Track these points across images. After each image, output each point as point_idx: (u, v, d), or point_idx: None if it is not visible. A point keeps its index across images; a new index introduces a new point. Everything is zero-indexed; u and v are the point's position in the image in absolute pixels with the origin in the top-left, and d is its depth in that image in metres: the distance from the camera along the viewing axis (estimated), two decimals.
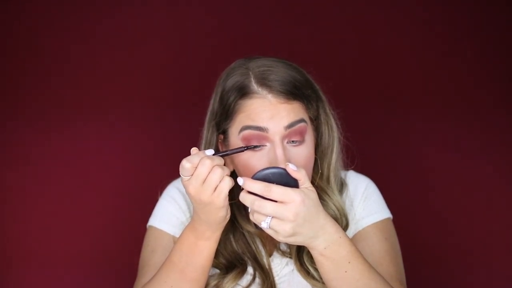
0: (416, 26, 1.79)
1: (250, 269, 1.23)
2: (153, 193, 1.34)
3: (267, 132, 1.08)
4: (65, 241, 1.73)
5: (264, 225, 0.98)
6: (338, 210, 1.23)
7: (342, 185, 1.29)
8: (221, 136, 1.18)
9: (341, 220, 1.23)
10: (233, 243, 1.24)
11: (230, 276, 1.20)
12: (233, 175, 1.19)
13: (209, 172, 0.99)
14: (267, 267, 1.23)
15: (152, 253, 1.24)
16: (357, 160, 1.30)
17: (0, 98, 1.74)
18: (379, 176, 1.38)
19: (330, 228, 1.01)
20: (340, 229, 1.03)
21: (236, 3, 1.81)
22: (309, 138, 1.14)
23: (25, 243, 1.72)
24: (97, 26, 1.77)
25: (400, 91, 1.79)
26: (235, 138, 1.12)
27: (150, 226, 1.30)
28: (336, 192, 1.24)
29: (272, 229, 0.98)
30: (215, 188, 0.99)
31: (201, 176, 0.99)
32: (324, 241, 1.01)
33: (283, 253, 1.24)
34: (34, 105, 1.74)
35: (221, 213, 1.03)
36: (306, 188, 1.00)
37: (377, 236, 1.24)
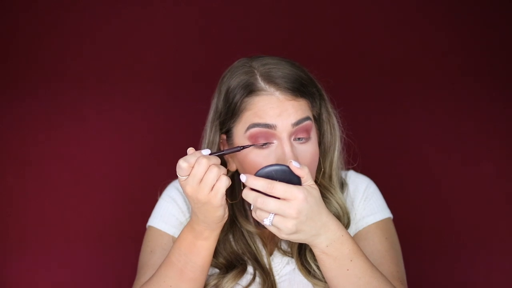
0: (417, 24, 1.80)
1: (250, 269, 1.22)
2: (152, 193, 1.34)
3: (275, 129, 1.09)
4: (64, 241, 1.73)
5: (266, 222, 0.98)
6: (341, 208, 1.23)
7: (342, 185, 1.29)
8: (224, 136, 1.18)
9: (344, 218, 1.23)
10: (233, 243, 1.24)
11: (229, 276, 1.20)
12: (236, 175, 1.19)
13: (206, 172, 0.99)
14: (267, 266, 1.23)
15: (151, 253, 1.24)
16: (359, 158, 1.30)
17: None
18: (379, 175, 1.38)
19: (332, 226, 1.01)
20: (342, 227, 1.03)
21: (237, 3, 1.81)
22: (314, 136, 1.15)
23: (25, 243, 1.72)
24: (98, 26, 1.77)
25: (401, 90, 1.79)
26: (241, 136, 1.12)
27: (149, 226, 1.29)
28: (338, 190, 1.24)
29: (275, 226, 0.98)
30: (212, 187, 0.99)
31: (197, 176, 0.99)
32: (326, 239, 1.01)
33: (284, 253, 1.24)
34: (34, 105, 1.74)
35: (219, 212, 1.03)
36: (309, 185, 1.00)
37: (378, 236, 1.24)
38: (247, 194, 0.99)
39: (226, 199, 1.03)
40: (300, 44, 1.80)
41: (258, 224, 1.04)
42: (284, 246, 1.25)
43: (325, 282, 1.18)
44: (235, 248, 1.23)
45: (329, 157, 1.23)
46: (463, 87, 1.78)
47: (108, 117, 1.76)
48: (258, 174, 0.99)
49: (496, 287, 1.73)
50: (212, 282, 1.20)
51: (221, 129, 1.18)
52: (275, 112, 1.09)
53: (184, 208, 1.29)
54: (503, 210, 1.73)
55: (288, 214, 0.96)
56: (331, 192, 1.24)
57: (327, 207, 1.03)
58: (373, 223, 1.26)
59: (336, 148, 1.23)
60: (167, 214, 1.28)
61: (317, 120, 1.20)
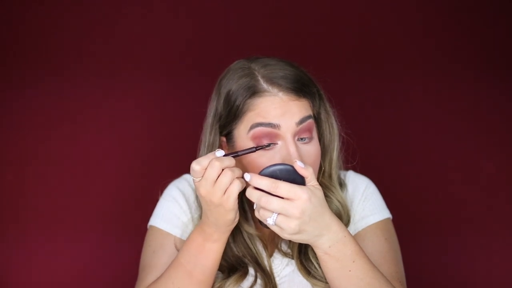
0: (416, 23, 1.80)
1: (251, 271, 1.22)
2: (153, 193, 1.33)
3: (279, 129, 1.08)
4: (64, 241, 1.72)
5: (270, 221, 0.97)
6: (342, 206, 1.24)
7: (341, 186, 1.29)
8: (223, 139, 1.18)
9: (344, 216, 1.24)
10: (233, 246, 1.23)
11: (231, 279, 1.20)
12: None
13: (220, 174, 0.99)
14: (268, 268, 1.23)
15: (153, 253, 1.23)
16: (358, 156, 1.30)
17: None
18: (378, 175, 1.39)
19: (335, 226, 1.01)
20: (344, 228, 1.03)
21: (237, 4, 1.80)
22: (316, 135, 1.15)
23: (25, 243, 1.71)
24: (98, 26, 1.77)
25: (400, 89, 1.80)
26: (244, 138, 1.11)
27: (151, 226, 1.29)
28: (338, 188, 1.25)
29: (278, 225, 0.97)
30: (225, 191, 1.00)
31: (210, 178, 0.99)
32: (329, 240, 1.01)
33: (284, 254, 1.24)
34: (34, 104, 1.73)
35: (230, 215, 1.03)
36: (312, 186, 1.00)
37: (377, 236, 1.24)
38: (251, 193, 0.99)
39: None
40: (298, 44, 1.80)
41: (260, 224, 1.03)
42: (284, 247, 1.25)
43: (325, 282, 1.19)
44: (235, 251, 1.23)
45: (328, 156, 1.23)
46: (463, 86, 1.78)
47: (108, 117, 1.76)
48: (262, 173, 0.99)
49: (496, 287, 1.74)
50: (215, 285, 1.20)
51: (221, 132, 1.17)
52: (278, 112, 1.08)
53: (186, 208, 1.28)
54: (503, 210, 1.74)
55: (292, 214, 0.96)
56: (331, 191, 1.24)
57: (329, 206, 1.03)
58: (372, 224, 1.26)
59: (335, 147, 1.23)
60: (169, 214, 1.27)
61: (316, 119, 1.20)
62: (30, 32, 1.73)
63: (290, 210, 0.95)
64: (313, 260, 1.20)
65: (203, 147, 1.21)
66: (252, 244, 1.23)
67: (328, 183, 1.23)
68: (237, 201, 1.02)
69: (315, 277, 1.20)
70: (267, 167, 0.99)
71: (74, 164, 1.74)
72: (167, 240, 1.24)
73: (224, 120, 1.15)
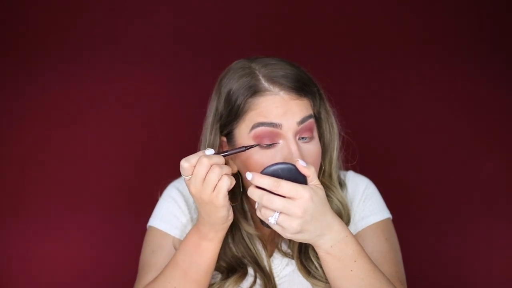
0: (416, 22, 1.80)
1: (251, 271, 1.22)
2: (153, 194, 1.33)
3: (280, 128, 1.08)
4: (64, 241, 1.72)
5: (271, 220, 0.97)
6: (342, 205, 1.24)
7: (341, 186, 1.29)
8: (224, 138, 1.17)
9: (345, 215, 1.24)
10: (232, 247, 1.23)
11: (231, 280, 1.20)
12: (236, 177, 1.17)
13: (208, 171, 0.99)
14: (267, 269, 1.23)
15: (152, 253, 1.23)
16: (358, 155, 1.30)
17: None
18: (378, 175, 1.38)
19: (337, 226, 1.00)
20: (346, 228, 1.02)
21: (236, 3, 1.80)
22: (316, 135, 1.15)
23: (25, 244, 1.71)
24: (98, 26, 1.76)
25: (400, 88, 1.80)
26: (245, 137, 1.11)
27: (150, 226, 1.29)
28: (338, 187, 1.25)
29: (280, 225, 0.97)
30: (214, 187, 1.00)
31: (199, 175, 1.00)
32: (331, 240, 1.00)
33: (284, 254, 1.24)
34: (35, 104, 1.73)
35: (222, 212, 1.03)
36: (314, 185, 0.99)
37: (377, 236, 1.24)
38: (252, 192, 0.98)
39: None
40: (298, 44, 1.80)
41: (262, 223, 1.03)
42: (284, 247, 1.25)
43: (325, 282, 1.18)
44: (234, 252, 1.23)
45: (328, 155, 1.23)
46: (463, 87, 1.78)
47: (109, 117, 1.76)
48: (264, 172, 0.99)
49: (496, 287, 1.74)
50: (215, 286, 1.20)
51: (221, 132, 1.17)
52: (280, 112, 1.08)
53: (185, 208, 1.28)
54: (503, 209, 1.74)
55: (293, 213, 0.95)
56: (332, 190, 1.24)
57: (329, 205, 1.02)
58: (372, 224, 1.26)
59: (335, 146, 1.23)
60: (168, 214, 1.27)
61: (317, 119, 1.19)
62: (28, 32, 1.73)
63: (292, 209, 0.95)
64: (313, 260, 1.20)
65: (203, 147, 1.21)
66: (252, 244, 1.23)
67: (328, 183, 1.23)
68: (227, 198, 1.02)
69: (315, 277, 1.19)
70: (269, 166, 0.99)
71: (73, 164, 1.73)
72: (166, 240, 1.24)
73: (225, 119, 1.15)
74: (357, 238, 1.23)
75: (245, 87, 1.11)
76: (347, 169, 1.34)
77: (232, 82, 1.14)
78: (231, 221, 1.08)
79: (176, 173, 1.33)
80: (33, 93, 1.72)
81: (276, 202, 0.95)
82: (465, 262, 1.75)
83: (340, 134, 1.24)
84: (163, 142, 1.77)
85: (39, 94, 1.72)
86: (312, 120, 1.12)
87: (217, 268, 1.21)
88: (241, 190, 1.14)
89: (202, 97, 1.28)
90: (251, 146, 1.08)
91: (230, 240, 1.22)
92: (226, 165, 1.01)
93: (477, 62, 1.78)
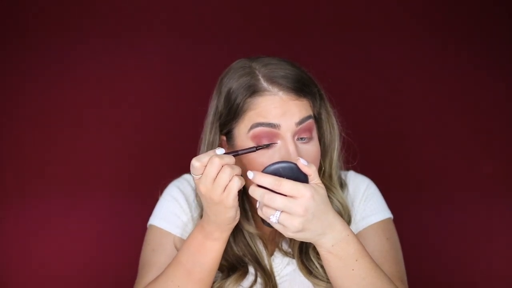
0: (416, 21, 1.80)
1: (252, 270, 1.22)
2: (153, 193, 1.33)
3: (278, 128, 1.08)
4: (64, 241, 1.72)
5: (273, 219, 0.97)
6: (342, 206, 1.24)
7: (342, 186, 1.29)
8: (223, 137, 1.17)
9: (345, 216, 1.23)
10: (233, 246, 1.23)
11: (232, 279, 1.20)
12: None
13: (219, 171, 0.98)
14: (268, 268, 1.23)
15: (152, 252, 1.23)
16: (358, 156, 1.30)
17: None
18: (379, 175, 1.38)
19: (338, 225, 1.00)
20: (347, 227, 1.02)
21: (236, 3, 1.81)
22: (316, 135, 1.15)
23: (25, 243, 1.70)
24: (98, 26, 1.76)
25: (400, 89, 1.80)
26: (244, 137, 1.11)
27: (150, 225, 1.28)
28: (338, 188, 1.25)
29: (281, 224, 0.97)
30: (225, 188, 0.99)
31: (210, 175, 0.99)
32: (332, 239, 1.00)
33: (285, 253, 1.24)
34: (35, 105, 1.72)
35: (231, 213, 1.03)
36: (316, 184, 0.99)
37: (379, 236, 1.24)
38: (254, 191, 0.98)
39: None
40: (299, 44, 1.80)
41: (263, 223, 1.03)
42: (284, 246, 1.25)
43: (326, 282, 1.18)
44: (235, 250, 1.23)
45: (328, 156, 1.23)
46: (463, 86, 1.79)
47: (109, 117, 1.75)
48: (265, 171, 0.99)
49: (496, 287, 1.74)
50: (215, 285, 1.20)
51: (221, 131, 1.17)
52: (278, 112, 1.08)
53: (186, 207, 1.27)
54: (503, 209, 1.74)
55: (295, 211, 0.95)
56: (332, 191, 1.23)
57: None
58: (373, 223, 1.26)
59: (336, 147, 1.23)
60: (169, 213, 1.27)
61: (317, 119, 1.19)
62: (28, 32, 1.73)
63: (293, 208, 0.95)
64: (314, 260, 1.20)
65: (203, 146, 1.20)
66: (253, 243, 1.23)
67: (328, 184, 1.23)
68: (237, 199, 1.01)
69: (316, 277, 1.19)
70: (270, 165, 0.99)
71: (73, 164, 1.73)
72: (167, 239, 1.24)
73: (224, 118, 1.15)
74: (358, 237, 1.23)
75: (244, 87, 1.11)
76: (347, 169, 1.34)
77: (232, 81, 1.14)
78: (237, 221, 1.07)
79: (176, 172, 1.34)
80: (33, 93, 1.72)
81: (278, 200, 0.95)
82: (465, 261, 1.75)
83: (340, 135, 1.23)
84: (163, 141, 1.76)
85: (39, 94, 1.72)
86: (311, 121, 1.11)
87: (218, 267, 1.20)
88: (242, 189, 1.14)
89: (203, 96, 1.28)
90: (261, 147, 1.07)
91: (231, 239, 1.22)
92: (236, 166, 1.01)
93: (477, 62, 1.78)
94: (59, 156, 1.73)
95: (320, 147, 1.20)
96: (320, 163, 1.21)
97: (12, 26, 1.72)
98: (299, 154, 1.08)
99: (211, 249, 1.08)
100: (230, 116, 1.13)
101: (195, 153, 1.22)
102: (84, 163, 1.74)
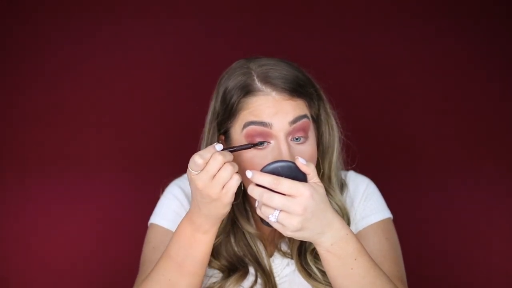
0: (416, 21, 1.80)
1: (252, 271, 1.22)
2: (154, 192, 1.33)
3: (271, 128, 1.08)
4: (64, 241, 1.72)
5: (272, 218, 0.97)
6: (340, 209, 1.23)
7: (342, 186, 1.29)
8: (222, 137, 1.18)
9: (344, 219, 1.21)
10: (234, 245, 1.23)
11: (232, 279, 1.20)
12: None
13: (220, 169, 0.98)
14: (268, 268, 1.23)
15: (153, 250, 1.23)
16: (357, 158, 1.30)
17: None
18: (379, 175, 1.38)
19: (337, 224, 1.00)
20: (346, 226, 1.02)
21: (236, 4, 1.81)
22: (312, 135, 1.14)
23: (25, 243, 1.71)
24: (98, 28, 1.76)
25: (400, 89, 1.80)
26: (238, 136, 1.11)
27: (151, 223, 1.28)
28: (337, 191, 1.24)
29: (280, 223, 0.97)
30: (224, 186, 0.99)
31: (211, 172, 0.98)
32: (331, 237, 1.00)
33: (284, 254, 1.24)
34: (34, 104, 1.73)
35: (226, 209, 1.03)
36: (314, 183, 0.99)
37: (378, 236, 1.24)
38: (252, 190, 0.98)
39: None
40: (299, 45, 1.81)
41: (262, 222, 1.03)
42: (284, 247, 1.25)
43: (325, 284, 1.18)
44: (236, 250, 1.23)
45: (328, 158, 1.23)
46: (463, 87, 1.79)
47: (108, 116, 1.76)
48: (264, 170, 0.99)
49: (495, 286, 1.73)
50: (216, 286, 1.20)
51: (219, 130, 1.18)
52: (271, 111, 1.08)
53: (187, 206, 1.27)
54: (503, 210, 1.74)
55: (294, 210, 0.95)
56: (330, 194, 1.23)
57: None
58: (373, 223, 1.26)
59: (335, 149, 1.23)
60: (170, 212, 1.27)
61: (316, 121, 1.20)
62: (28, 32, 1.73)
63: (292, 207, 0.95)
64: (311, 264, 1.20)
65: (203, 145, 1.21)
66: (253, 243, 1.23)
67: (327, 186, 1.23)
68: (234, 196, 1.01)
69: (315, 279, 1.19)
70: (268, 164, 0.99)
71: (73, 164, 1.73)
72: (168, 237, 1.22)
73: (221, 118, 1.15)
74: (358, 237, 1.23)
75: (239, 87, 1.12)
76: (348, 170, 1.34)
77: (229, 81, 1.14)
78: (227, 213, 1.06)
79: (177, 171, 1.34)
80: (33, 93, 1.73)
81: (276, 199, 0.95)
82: (465, 261, 1.75)
83: (340, 136, 1.24)
84: (164, 140, 1.77)
85: (39, 94, 1.73)
86: (305, 120, 1.11)
87: (219, 267, 1.21)
88: (241, 188, 1.14)
89: (204, 96, 1.29)
90: (257, 144, 1.08)
91: (232, 239, 1.22)
92: (235, 163, 1.01)
93: (477, 62, 1.78)
94: (59, 157, 1.73)
95: (319, 149, 1.21)
96: (319, 165, 1.21)
97: (12, 26, 1.73)
98: (292, 155, 1.08)
99: (201, 242, 1.07)
100: (226, 115, 1.14)
101: (195, 152, 1.22)
102: (84, 162, 1.74)
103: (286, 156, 1.06)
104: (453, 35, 1.79)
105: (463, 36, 1.79)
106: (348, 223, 1.25)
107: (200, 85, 1.52)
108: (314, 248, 1.19)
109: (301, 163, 0.99)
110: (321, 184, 1.00)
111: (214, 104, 1.19)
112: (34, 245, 1.71)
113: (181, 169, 1.31)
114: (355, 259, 1.02)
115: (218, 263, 1.21)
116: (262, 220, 1.02)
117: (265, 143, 1.09)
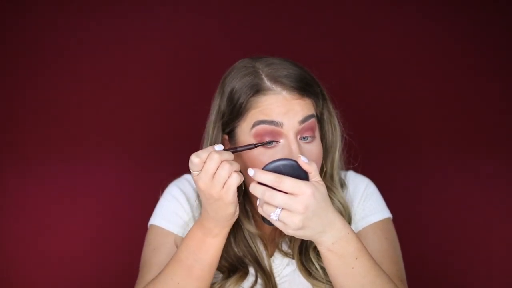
0: (419, 23, 1.80)
1: (252, 271, 1.22)
2: (153, 193, 1.33)
3: (281, 127, 1.08)
4: (65, 241, 1.72)
5: (273, 216, 0.97)
6: (343, 207, 1.24)
7: (342, 186, 1.30)
8: (226, 136, 1.18)
9: (346, 217, 1.24)
10: (234, 246, 1.23)
11: (232, 280, 1.20)
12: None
13: (218, 168, 0.98)
14: (268, 268, 1.23)
15: (154, 251, 1.23)
16: (360, 158, 1.30)
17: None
18: (379, 176, 1.39)
19: (338, 223, 1.01)
20: (347, 225, 1.02)
21: (237, 3, 1.81)
22: (318, 135, 1.15)
23: (25, 243, 1.70)
24: (98, 28, 1.76)
25: (401, 89, 1.80)
26: (246, 135, 1.11)
27: (151, 225, 1.28)
28: (339, 189, 1.25)
29: (281, 221, 0.97)
30: (224, 184, 0.99)
31: (209, 171, 0.99)
32: (332, 237, 1.00)
33: (285, 254, 1.24)
34: (34, 103, 1.73)
35: (230, 209, 1.03)
36: (316, 181, 0.99)
37: (378, 236, 1.24)
38: (254, 188, 0.98)
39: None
40: (300, 45, 1.81)
41: (263, 221, 1.03)
42: (284, 247, 1.25)
43: (326, 283, 1.19)
44: (236, 250, 1.23)
45: (330, 156, 1.23)
46: (464, 87, 1.79)
47: (109, 116, 1.75)
48: (266, 168, 0.99)
49: (495, 286, 1.74)
50: (216, 286, 1.20)
51: (223, 130, 1.18)
52: (281, 110, 1.09)
53: (187, 207, 1.28)
54: (503, 210, 1.74)
55: (295, 209, 0.95)
56: (333, 191, 1.24)
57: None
58: (373, 223, 1.26)
59: (337, 148, 1.23)
60: (170, 213, 1.27)
61: (319, 119, 1.20)
62: (27, 32, 1.73)
63: (293, 205, 0.95)
64: (314, 261, 1.20)
65: (205, 145, 1.21)
66: (253, 243, 1.23)
67: (329, 184, 1.23)
68: (236, 195, 1.01)
69: (315, 278, 1.20)
70: (270, 162, 0.99)
71: (73, 164, 1.73)
72: (168, 238, 1.24)
73: (227, 117, 1.15)
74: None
75: (247, 86, 1.11)
76: (348, 170, 1.34)
77: (235, 81, 1.14)
78: (236, 217, 1.07)
79: (177, 172, 1.34)
80: (33, 93, 1.72)
81: (278, 198, 0.95)
82: (464, 261, 1.75)
83: (342, 136, 1.24)
84: (164, 141, 1.76)
85: (39, 94, 1.73)
86: (313, 120, 1.12)
87: (219, 267, 1.21)
88: (243, 188, 1.15)
89: (205, 96, 1.29)
90: (260, 144, 1.08)
91: (232, 240, 1.22)
92: (235, 162, 1.01)
93: (477, 62, 1.78)
94: (59, 157, 1.73)
95: (323, 148, 1.21)
96: (322, 163, 1.21)
97: (12, 26, 1.73)
98: (302, 154, 1.08)
99: (210, 246, 1.08)
100: (233, 115, 1.13)
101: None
102: (85, 163, 1.74)
103: (296, 155, 1.06)
104: (454, 35, 1.79)
105: (463, 36, 1.79)
106: (350, 221, 1.25)
107: (201, 85, 1.52)
108: None
109: (303, 161, 0.99)
110: (322, 183, 1.00)
111: (218, 104, 1.18)
112: (34, 244, 1.71)
113: (181, 169, 1.31)
114: (356, 258, 1.02)
115: (218, 264, 1.20)
116: (263, 218, 1.02)
117: (274, 142, 1.09)
